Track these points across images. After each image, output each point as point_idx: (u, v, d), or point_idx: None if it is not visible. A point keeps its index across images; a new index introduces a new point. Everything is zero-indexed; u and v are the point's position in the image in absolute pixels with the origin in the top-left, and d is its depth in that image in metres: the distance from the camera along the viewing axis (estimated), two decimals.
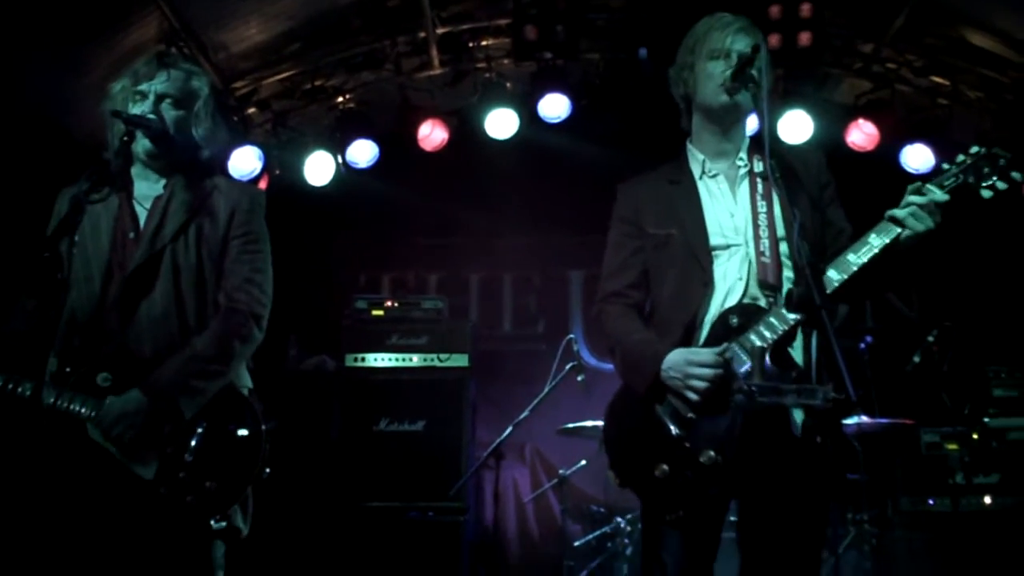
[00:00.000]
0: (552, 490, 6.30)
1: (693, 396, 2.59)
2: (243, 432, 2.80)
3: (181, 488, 2.68)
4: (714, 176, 2.93)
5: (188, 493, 2.68)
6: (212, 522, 2.71)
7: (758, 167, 2.87)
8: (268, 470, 2.81)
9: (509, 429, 5.40)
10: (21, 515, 2.68)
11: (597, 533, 5.65)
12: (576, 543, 5.76)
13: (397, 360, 6.26)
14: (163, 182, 3.00)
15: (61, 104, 5.79)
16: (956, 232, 2.81)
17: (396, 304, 6.53)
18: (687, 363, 2.61)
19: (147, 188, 2.98)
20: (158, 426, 2.70)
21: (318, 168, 6.86)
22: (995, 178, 2.65)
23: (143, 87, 2.93)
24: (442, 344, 6.38)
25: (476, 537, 6.54)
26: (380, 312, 6.46)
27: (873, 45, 6.65)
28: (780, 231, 2.73)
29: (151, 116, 2.91)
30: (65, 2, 5.28)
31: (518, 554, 7.12)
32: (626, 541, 5.41)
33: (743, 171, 2.91)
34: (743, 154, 2.93)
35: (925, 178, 6.86)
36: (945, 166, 2.73)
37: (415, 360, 6.31)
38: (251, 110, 6.96)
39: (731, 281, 2.76)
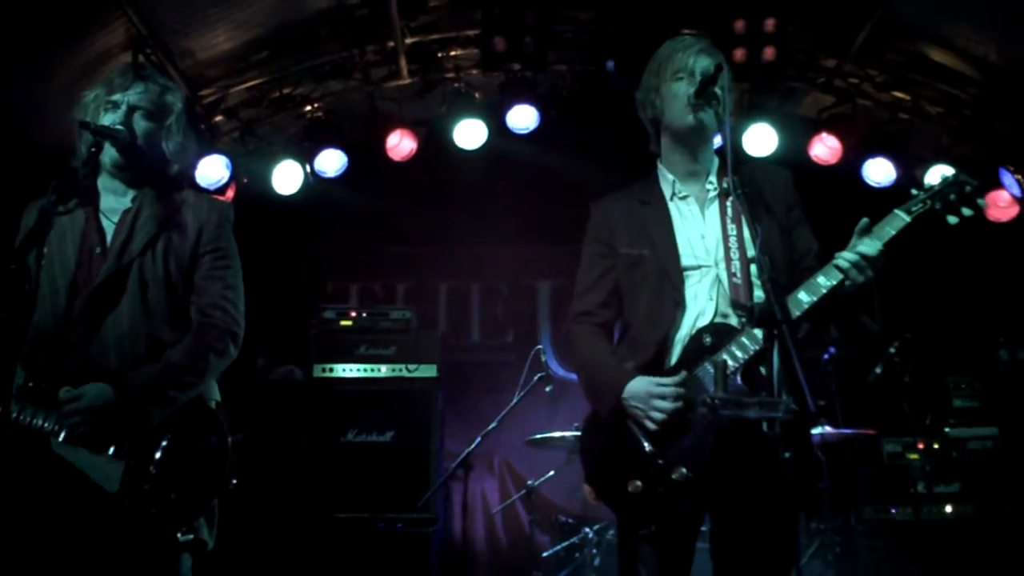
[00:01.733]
0: (520, 501, 6.31)
1: (651, 425, 2.66)
2: (209, 444, 2.77)
3: (145, 500, 2.65)
4: (684, 198, 2.97)
5: (152, 505, 2.65)
6: (178, 535, 2.67)
7: (725, 188, 2.92)
8: (235, 481, 2.77)
9: (478, 440, 5.39)
10: None
11: (565, 544, 5.66)
12: (544, 554, 5.77)
13: (365, 370, 6.24)
14: (131, 195, 2.97)
15: (25, 111, 5.73)
16: (917, 245, 2.87)
17: (364, 314, 6.51)
18: (648, 395, 2.68)
19: (114, 201, 2.96)
20: (120, 425, 2.67)
21: (286, 177, 6.83)
22: (961, 206, 2.73)
23: (116, 97, 2.91)
24: (410, 354, 6.37)
25: (445, 548, 6.52)
26: (348, 322, 6.44)
27: (836, 60, 6.75)
28: (751, 252, 2.77)
29: (119, 127, 2.88)
30: (29, 7, 5.22)
31: (487, 565, 7.11)
32: (594, 551, 5.42)
33: (713, 193, 2.95)
34: (712, 177, 2.98)
35: (886, 193, 6.97)
36: (913, 191, 2.81)
37: (383, 370, 6.30)
38: (218, 118, 6.91)
39: (702, 302, 2.80)
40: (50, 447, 2.67)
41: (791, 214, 2.96)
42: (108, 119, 2.89)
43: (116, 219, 2.91)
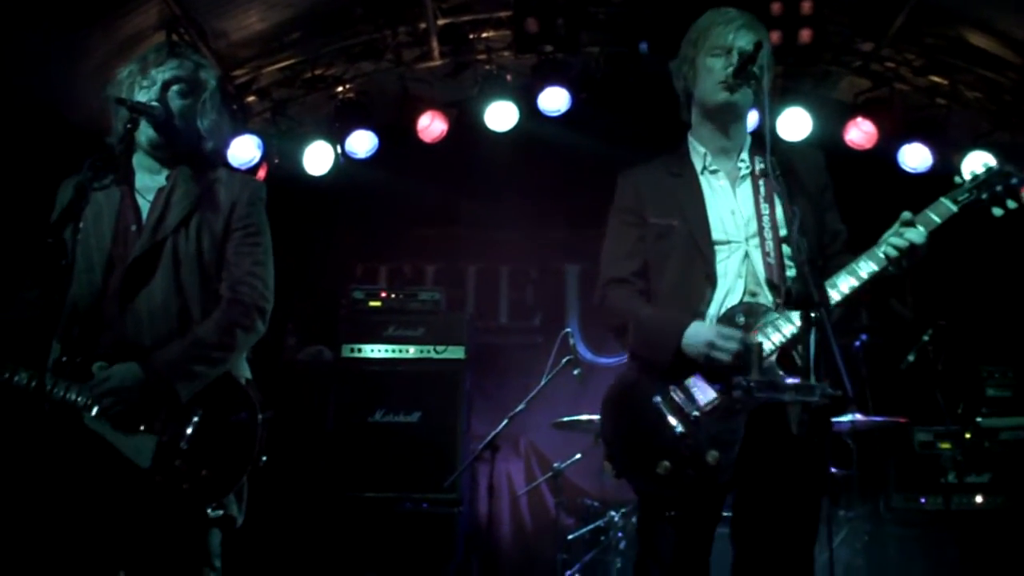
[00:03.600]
0: (546, 483, 6.32)
1: (724, 357, 2.58)
2: (239, 421, 2.78)
3: (177, 476, 2.67)
4: (715, 172, 2.93)
5: (184, 481, 2.67)
6: (208, 510, 2.70)
7: (760, 168, 2.89)
8: (264, 459, 2.80)
9: (504, 422, 5.40)
10: (19, 504, 2.69)
11: (591, 527, 5.66)
12: (570, 536, 5.76)
13: (393, 351, 6.27)
14: (165, 173, 2.98)
15: (59, 90, 5.77)
16: (951, 233, 2.83)
17: (393, 295, 6.54)
18: (716, 334, 2.61)
19: (149, 180, 2.97)
20: (150, 404, 2.70)
21: (317, 158, 6.84)
22: (1007, 198, 2.70)
23: (151, 73, 2.91)
24: (438, 336, 6.39)
25: (470, 529, 6.55)
26: (377, 303, 6.47)
27: (873, 44, 6.65)
28: (783, 233, 2.74)
29: (155, 104, 2.87)
30: None
31: (512, 547, 7.13)
32: (620, 535, 5.41)
33: (744, 171, 2.92)
34: (745, 154, 2.94)
35: (922, 179, 6.87)
36: (958, 180, 2.78)
37: (411, 351, 6.32)
38: (250, 98, 6.94)
39: (731, 278, 2.77)
40: (83, 421, 2.70)
41: (823, 196, 2.93)
42: (143, 96, 2.88)
43: (151, 197, 2.93)
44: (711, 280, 2.76)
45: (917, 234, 2.64)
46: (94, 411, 2.69)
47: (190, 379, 2.74)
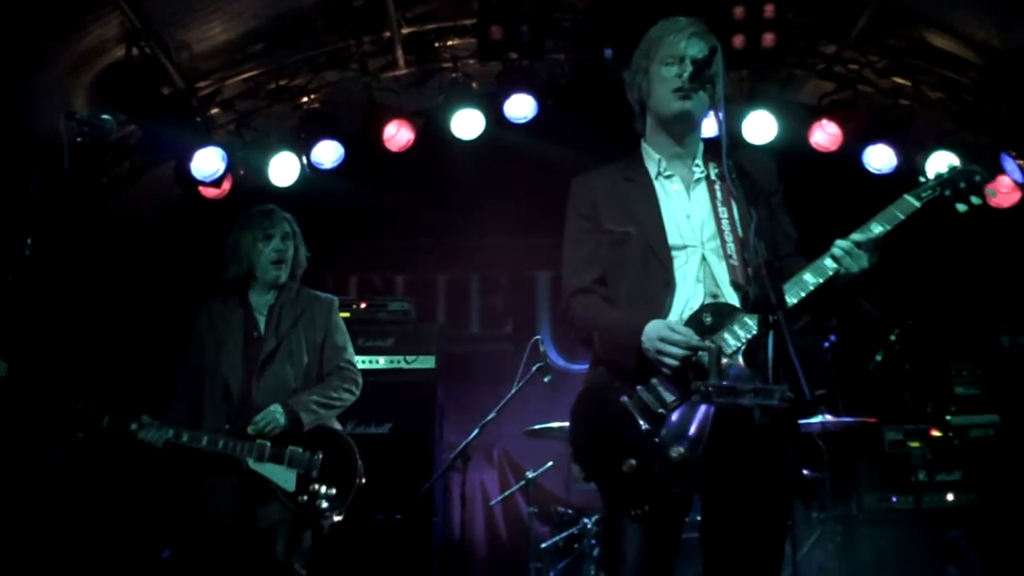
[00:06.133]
0: (520, 492, 6.29)
1: (671, 361, 2.59)
2: (347, 456, 4.20)
3: (313, 495, 4.04)
4: (669, 177, 2.94)
5: (318, 499, 4.03)
6: (334, 517, 4.12)
7: (714, 173, 2.90)
8: (363, 480, 4.22)
9: (475, 431, 5.38)
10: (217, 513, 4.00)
11: (564, 535, 5.65)
12: (543, 545, 5.75)
13: (363, 362, 6.18)
14: (273, 293, 4.28)
15: (17, 102, 5.70)
16: (918, 232, 2.85)
17: (363, 306, 6.50)
18: (660, 333, 2.61)
19: (261, 300, 4.27)
20: (292, 426, 4.03)
21: (283, 169, 6.80)
22: (971, 194, 2.73)
23: (271, 232, 4.25)
24: (409, 346, 6.37)
25: (444, 539, 6.52)
26: (346, 314, 6.37)
27: (836, 46, 6.71)
28: (742, 235, 2.74)
29: (106, 117, 3.30)
30: None
31: (486, 556, 7.10)
32: (593, 542, 5.40)
33: (699, 175, 2.93)
34: (699, 159, 2.96)
35: (886, 180, 6.93)
36: (922, 178, 2.80)
37: (382, 362, 6.30)
38: (214, 110, 6.87)
39: (690, 283, 2.77)
40: (246, 465, 3.99)
41: (773, 199, 2.94)
42: (269, 247, 4.22)
43: (264, 311, 4.23)
44: (669, 286, 2.76)
45: (862, 233, 2.68)
46: (252, 458, 3.98)
47: (310, 413, 4.08)
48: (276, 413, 3.99)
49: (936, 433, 5.99)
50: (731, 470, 2.62)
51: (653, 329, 2.64)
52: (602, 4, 6.62)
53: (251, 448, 3.96)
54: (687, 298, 2.75)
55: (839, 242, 2.67)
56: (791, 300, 2.62)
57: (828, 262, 2.67)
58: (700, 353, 2.60)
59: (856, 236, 2.66)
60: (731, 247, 2.75)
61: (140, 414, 3.99)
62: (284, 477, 4.01)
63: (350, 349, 4.39)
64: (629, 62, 3.07)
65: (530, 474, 5.79)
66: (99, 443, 4.21)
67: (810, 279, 2.66)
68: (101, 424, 3.93)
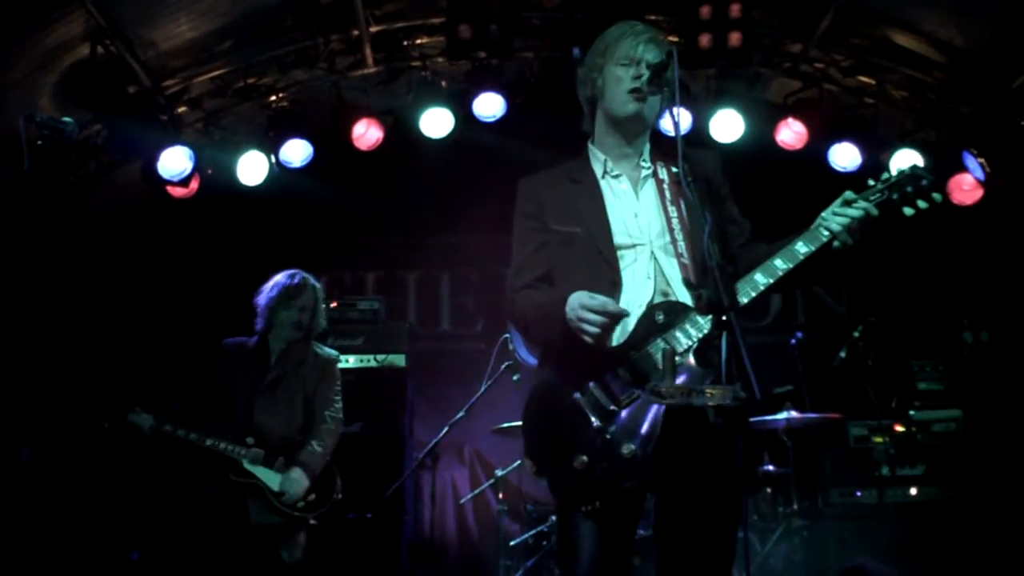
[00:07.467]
0: (490, 489, 6.32)
1: (591, 328, 2.60)
2: (329, 474, 4.89)
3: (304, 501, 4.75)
4: (616, 176, 2.96)
5: (312, 509, 4.76)
6: (309, 520, 4.77)
7: (662, 172, 2.93)
8: (340, 496, 4.92)
9: (444, 429, 5.40)
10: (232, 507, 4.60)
11: (533, 532, 5.67)
12: (512, 542, 5.77)
13: None
14: (287, 340, 4.88)
15: None
16: (881, 229, 2.89)
17: (332, 304, 6.48)
18: (581, 301, 2.63)
19: (276, 344, 4.86)
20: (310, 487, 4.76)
21: (251, 168, 6.77)
22: (917, 199, 2.77)
23: (293, 303, 4.84)
24: (379, 344, 6.38)
25: (415, 537, 6.53)
26: None
27: (801, 45, 6.77)
28: (694, 233, 2.77)
29: (67, 120, 3.22)
30: None
31: (457, 554, 7.12)
32: None
33: (646, 173, 2.95)
34: (646, 157, 2.98)
35: (852, 177, 7.02)
36: (871, 182, 2.83)
37: (352, 361, 6.29)
38: (182, 109, 6.82)
39: (640, 281, 2.78)
40: (243, 464, 4.65)
41: (722, 190, 2.98)
42: (291, 312, 4.84)
43: (277, 352, 4.86)
44: (617, 285, 2.77)
45: (875, 209, 2.73)
46: (249, 455, 4.65)
47: (311, 471, 4.77)
48: (300, 481, 4.70)
49: (899, 428, 6.07)
50: (683, 467, 2.63)
51: (575, 298, 2.65)
52: (570, 3, 6.63)
53: (247, 453, 4.64)
54: (637, 296, 2.77)
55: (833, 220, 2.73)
56: (787, 266, 2.68)
57: (820, 233, 2.72)
58: (652, 348, 2.62)
59: (851, 211, 2.72)
60: (681, 245, 2.77)
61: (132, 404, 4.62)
62: (272, 479, 4.65)
63: (337, 405, 4.99)
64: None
65: (500, 472, 5.81)
66: (73, 440, 4.35)
67: (802, 249, 2.70)
68: (107, 408, 4.56)
